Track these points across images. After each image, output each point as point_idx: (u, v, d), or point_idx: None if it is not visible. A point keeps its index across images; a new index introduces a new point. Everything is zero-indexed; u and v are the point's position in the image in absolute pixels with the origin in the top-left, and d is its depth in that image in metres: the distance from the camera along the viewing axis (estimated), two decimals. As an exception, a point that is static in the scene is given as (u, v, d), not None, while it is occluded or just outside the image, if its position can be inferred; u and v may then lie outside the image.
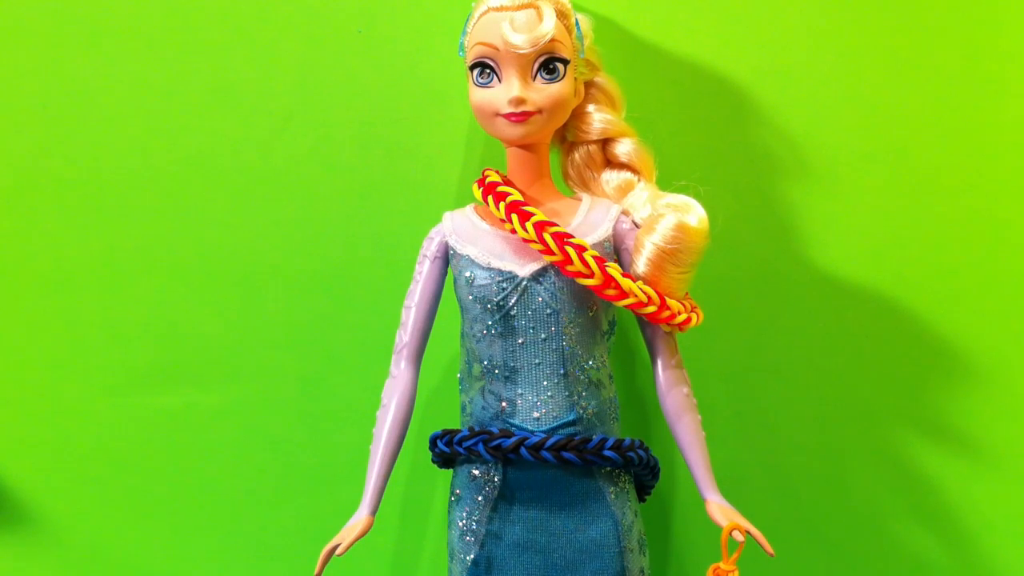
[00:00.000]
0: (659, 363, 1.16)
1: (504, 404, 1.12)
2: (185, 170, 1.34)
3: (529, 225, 1.08)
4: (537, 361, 1.12)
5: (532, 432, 1.11)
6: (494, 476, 1.13)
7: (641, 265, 1.12)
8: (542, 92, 1.11)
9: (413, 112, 1.33)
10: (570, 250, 1.07)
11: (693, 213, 1.12)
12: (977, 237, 1.34)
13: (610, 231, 1.14)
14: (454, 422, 1.21)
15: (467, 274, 1.13)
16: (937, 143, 1.33)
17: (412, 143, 1.33)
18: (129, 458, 1.36)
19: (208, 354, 1.35)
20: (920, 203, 1.34)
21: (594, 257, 1.08)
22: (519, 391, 1.12)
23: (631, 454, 1.12)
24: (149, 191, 1.34)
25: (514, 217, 1.09)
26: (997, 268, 1.34)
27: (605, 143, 1.19)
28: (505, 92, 1.10)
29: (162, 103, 1.34)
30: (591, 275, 1.08)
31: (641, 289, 1.09)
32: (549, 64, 1.11)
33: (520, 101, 1.10)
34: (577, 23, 1.14)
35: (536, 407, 1.11)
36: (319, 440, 1.36)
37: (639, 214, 1.15)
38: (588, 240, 1.11)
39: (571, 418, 1.12)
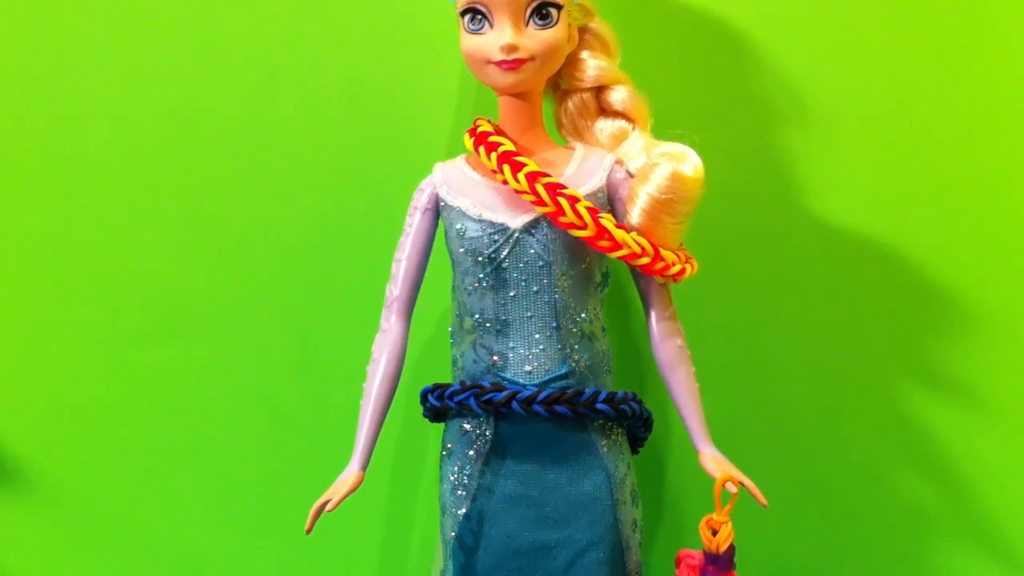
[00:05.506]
0: (653, 315, 1.15)
1: (495, 358, 1.11)
2: (172, 126, 1.33)
3: (521, 175, 1.06)
4: (529, 314, 1.10)
5: (524, 386, 1.10)
6: (485, 430, 1.12)
7: (635, 215, 1.10)
8: (535, 38, 1.09)
9: (403, 61, 1.31)
10: (563, 201, 1.06)
11: (688, 162, 1.11)
12: (977, 185, 1.33)
13: (604, 181, 1.13)
14: (445, 376, 1.20)
15: (458, 226, 1.12)
16: (938, 90, 1.32)
17: (402, 92, 1.32)
18: (121, 413, 1.36)
19: (198, 309, 1.35)
20: (921, 151, 1.32)
21: (587, 208, 1.06)
22: (511, 344, 1.11)
23: (624, 407, 1.11)
24: (136, 147, 1.33)
25: (506, 167, 1.07)
26: (997, 216, 1.33)
27: (599, 91, 1.17)
28: (497, 39, 1.08)
29: (147, 58, 1.32)
30: (584, 226, 1.06)
31: (635, 240, 1.08)
32: (542, 9, 1.09)
33: (512, 48, 1.08)
34: (570, -33, 1.12)
35: (528, 360, 1.11)
36: (310, 394, 1.35)
37: (633, 163, 1.14)
38: (581, 190, 1.10)
39: (563, 371, 1.11)
